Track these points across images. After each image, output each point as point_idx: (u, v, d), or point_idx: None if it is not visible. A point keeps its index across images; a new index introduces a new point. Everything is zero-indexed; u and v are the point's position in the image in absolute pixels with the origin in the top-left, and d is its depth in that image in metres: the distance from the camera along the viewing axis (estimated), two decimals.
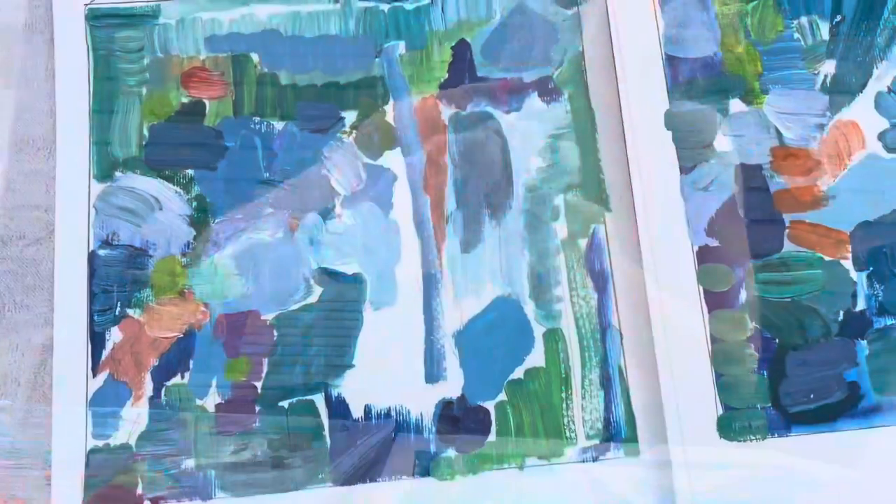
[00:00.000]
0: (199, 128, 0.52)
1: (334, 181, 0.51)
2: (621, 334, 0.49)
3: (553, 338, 0.49)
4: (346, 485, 0.47)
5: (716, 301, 0.48)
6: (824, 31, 0.51)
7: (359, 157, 0.52)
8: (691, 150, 0.50)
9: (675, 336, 0.47)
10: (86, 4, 0.53)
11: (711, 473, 0.46)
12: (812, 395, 0.47)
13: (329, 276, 0.50)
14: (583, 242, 0.51)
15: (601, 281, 0.50)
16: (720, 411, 0.47)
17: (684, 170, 0.49)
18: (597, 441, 0.48)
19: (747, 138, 0.50)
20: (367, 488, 0.47)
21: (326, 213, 0.51)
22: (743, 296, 0.48)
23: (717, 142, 0.50)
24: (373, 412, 0.48)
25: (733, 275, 0.48)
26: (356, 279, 0.50)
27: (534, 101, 0.53)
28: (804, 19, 0.52)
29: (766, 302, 0.48)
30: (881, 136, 0.50)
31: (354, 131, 0.52)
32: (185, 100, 0.52)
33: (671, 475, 0.46)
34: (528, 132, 0.52)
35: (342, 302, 0.49)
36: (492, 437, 0.48)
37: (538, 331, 0.50)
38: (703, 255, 0.48)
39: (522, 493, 0.47)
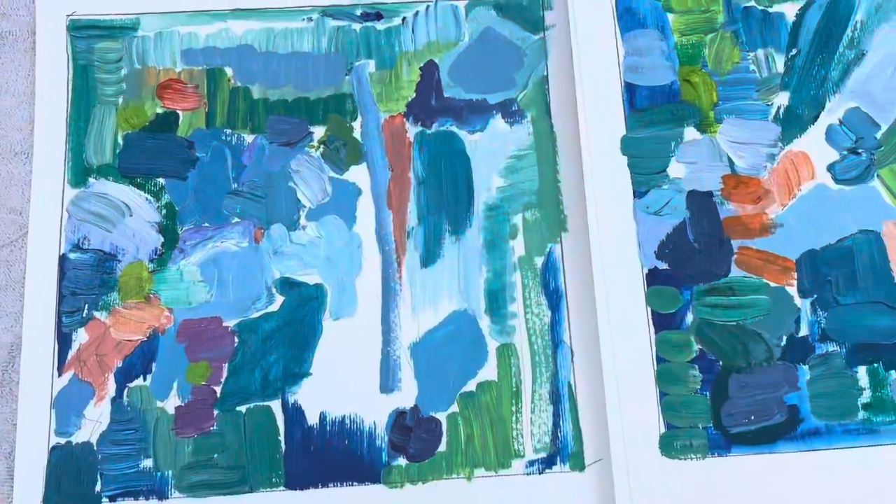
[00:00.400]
0: (172, 138, 0.54)
1: (300, 194, 0.53)
2: (572, 351, 0.51)
3: (506, 352, 0.51)
4: (299, 489, 0.49)
5: (663, 322, 0.49)
6: (779, 63, 0.53)
7: (325, 170, 0.53)
8: (645, 175, 0.51)
9: (622, 355, 0.49)
10: (68, 15, 0.55)
11: (652, 489, 0.47)
12: (753, 417, 0.48)
13: (291, 285, 0.51)
14: (539, 261, 0.52)
15: (555, 299, 0.52)
16: (663, 429, 0.48)
17: (638, 194, 0.51)
18: (544, 454, 0.49)
19: (700, 165, 0.51)
20: (319, 493, 0.49)
21: (291, 225, 0.52)
22: (689, 318, 0.50)
23: (671, 168, 0.51)
24: (327, 419, 0.50)
25: (681, 297, 0.50)
26: (317, 289, 0.51)
27: (497, 122, 0.54)
28: (760, 52, 0.53)
29: (712, 325, 0.49)
30: (830, 168, 0.51)
31: (322, 146, 0.54)
32: (159, 110, 0.54)
33: (613, 490, 0.47)
34: (491, 152, 0.54)
35: (303, 311, 0.51)
36: (442, 448, 0.50)
37: (492, 345, 0.51)
38: (653, 277, 0.50)
39: (470, 503, 0.49)
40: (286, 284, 0.51)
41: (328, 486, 0.49)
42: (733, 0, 0.54)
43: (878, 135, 0.52)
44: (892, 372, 0.49)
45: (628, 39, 0.53)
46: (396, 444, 0.49)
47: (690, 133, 0.52)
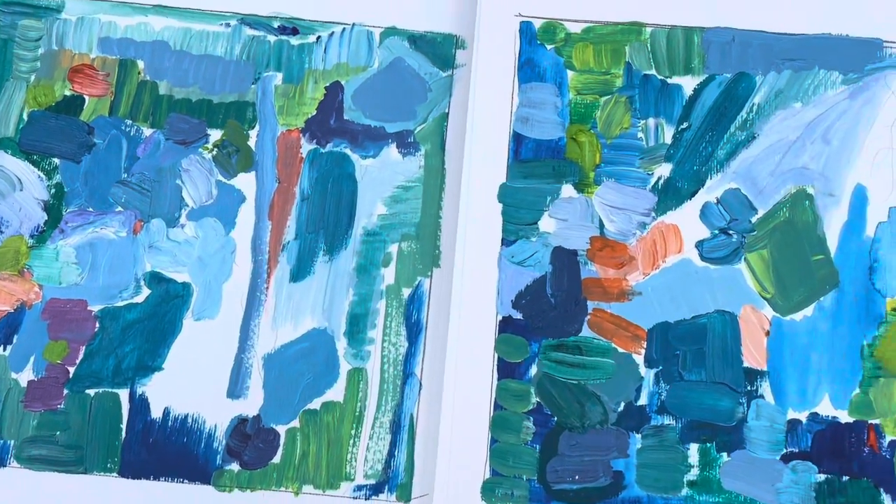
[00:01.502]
0: (74, 121, 0.55)
1: (186, 192, 0.54)
2: (422, 384, 0.52)
3: (356, 377, 0.52)
4: (132, 478, 0.50)
5: (507, 370, 0.50)
6: (668, 134, 0.54)
7: (214, 173, 0.55)
8: (516, 224, 0.52)
9: (462, 396, 0.50)
10: None
11: None
12: (577, 476, 0.49)
13: (159, 280, 0.53)
14: (406, 292, 0.53)
15: (415, 331, 0.53)
16: (488, 475, 0.49)
17: (506, 242, 0.52)
18: (373, 481, 0.51)
19: (570, 223, 0.52)
20: (150, 485, 0.50)
21: (171, 221, 0.54)
22: (533, 370, 0.50)
23: (542, 222, 0.52)
24: (170, 416, 0.51)
25: (528, 348, 0.51)
26: (184, 288, 0.53)
27: (391, 151, 0.56)
28: (651, 121, 0.54)
29: (554, 380, 0.50)
30: (699, 245, 0.52)
31: (216, 149, 0.55)
32: (67, 93, 0.56)
33: None
34: (379, 179, 0.55)
35: (166, 307, 0.52)
36: (276, 460, 0.51)
37: (344, 367, 0.52)
38: (505, 324, 0.51)
39: None
40: (155, 279, 0.53)
41: (159, 480, 0.50)
42: (635, 66, 0.54)
43: (754, 219, 0.52)
44: (724, 454, 0.49)
45: (525, 90, 0.54)
46: (233, 450, 0.51)
47: (567, 190, 0.53)
